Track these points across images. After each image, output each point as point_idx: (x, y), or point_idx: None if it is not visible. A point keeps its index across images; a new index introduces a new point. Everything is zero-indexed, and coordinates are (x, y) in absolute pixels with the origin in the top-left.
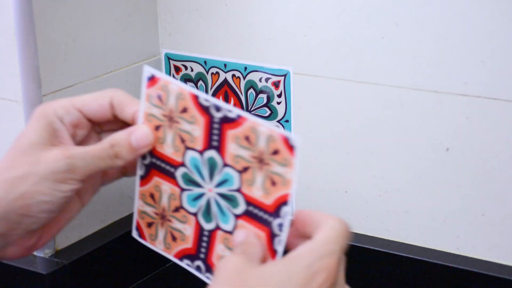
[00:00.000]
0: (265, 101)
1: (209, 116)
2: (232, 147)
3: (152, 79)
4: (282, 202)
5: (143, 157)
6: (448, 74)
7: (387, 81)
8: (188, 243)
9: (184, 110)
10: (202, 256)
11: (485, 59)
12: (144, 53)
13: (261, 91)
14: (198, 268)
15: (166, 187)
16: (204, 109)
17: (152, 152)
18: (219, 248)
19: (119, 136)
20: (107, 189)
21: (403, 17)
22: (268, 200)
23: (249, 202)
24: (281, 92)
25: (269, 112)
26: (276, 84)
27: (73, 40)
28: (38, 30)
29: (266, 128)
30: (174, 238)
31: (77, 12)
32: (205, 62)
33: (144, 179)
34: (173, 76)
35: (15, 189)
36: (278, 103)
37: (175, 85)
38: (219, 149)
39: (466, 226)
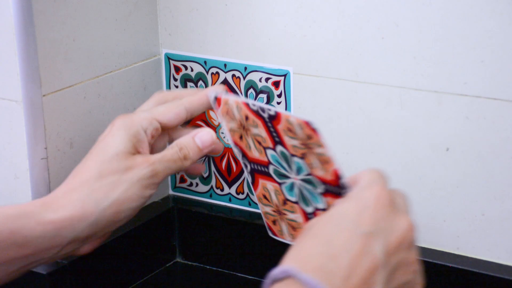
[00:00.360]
0: (265, 101)
1: (261, 118)
2: (287, 139)
3: (217, 100)
4: (338, 175)
5: (245, 165)
6: (448, 74)
7: (387, 81)
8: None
9: (247, 118)
10: None
11: (485, 59)
12: (144, 53)
13: (261, 91)
14: None
15: (270, 185)
16: (256, 113)
17: (248, 159)
18: None
19: (185, 140)
20: None
21: (403, 17)
22: (329, 177)
23: (322, 181)
24: (281, 92)
25: None
26: (276, 84)
27: (73, 40)
28: (38, 30)
29: (294, 118)
30: (293, 228)
31: (77, 12)
32: (205, 62)
33: (254, 184)
34: (173, 76)
35: (108, 197)
36: (278, 103)
37: (231, 99)
38: (282, 143)
39: (466, 226)
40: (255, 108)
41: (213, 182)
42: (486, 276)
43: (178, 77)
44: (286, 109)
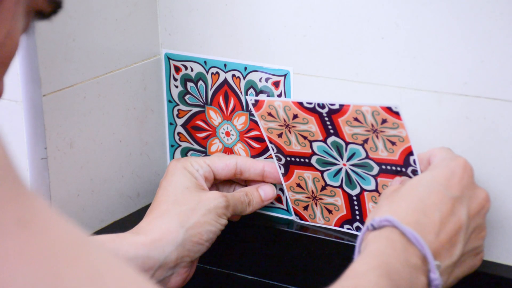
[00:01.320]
0: None
1: (317, 114)
2: (346, 129)
3: (257, 104)
4: (408, 153)
5: (279, 159)
6: (448, 74)
7: (387, 81)
8: (343, 211)
9: (295, 117)
10: (358, 217)
11: (485, 59)
12: (144, 53)
13: (261, 91)
14: (358, 229)
15: (308, 174)
16: (310, 110)
17: (284, 153)
18: (370, 206)
19: (250, 188)
20: (107, 189)
21: (403, 17)
22: (395, 157)
23: (381, 162)
24: (281, 92)
25: None
26: (276, 84)
27: (73, 40)
28: (38, 30)
29: (368, 106)
30: (330, 211)
31: (77, 12)
32: (205, 62)
33: (286, 175)
34: (173, 76)
35: (189, 219)
36: None
37: (278, 101)
38: (338, 134)
39: None
40: (310, 106)
41: None
42: (486, 276)
43: (178, 77)
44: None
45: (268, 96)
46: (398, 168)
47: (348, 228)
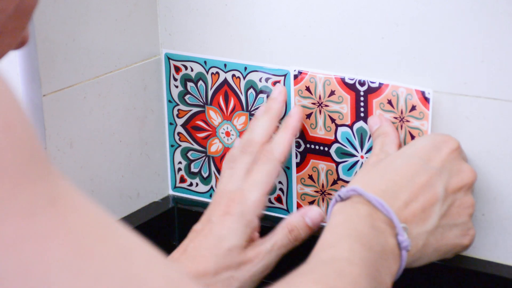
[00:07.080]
0: (265, 101)
1: (354, 92)
2: (377, 114)
3: (299, 75)
4: None
5: (298, 145)
6: (448, 74)
7: (387, 81)
8: None
9: (332, 93)
10: None
11: (485, 59)
12: (144, 53)
13: (261, 91)
14: None
15: (323, 165)
16: (350, 87)
17: (306, 138)
18: None
19: (295, 220)
20: (107, 189)
21: (403, 17)
22: None
23: None
24: None
25: None
26: (276, 84)
27: (73, 40)
28: (38, 30)
29: (404, 88)
30: None
31: (77, 12)
32: (205, 62)
33: (300, 165)
34: (173, 76)
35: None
36: None
37: (321, 74)
38: (367, 118)
39: None
40: (351, 82)
41: (213, 182)
42: (486, 276)
43: (178, 77)
44: (286, 109)
45: (268, 96)
46: None
47: None
